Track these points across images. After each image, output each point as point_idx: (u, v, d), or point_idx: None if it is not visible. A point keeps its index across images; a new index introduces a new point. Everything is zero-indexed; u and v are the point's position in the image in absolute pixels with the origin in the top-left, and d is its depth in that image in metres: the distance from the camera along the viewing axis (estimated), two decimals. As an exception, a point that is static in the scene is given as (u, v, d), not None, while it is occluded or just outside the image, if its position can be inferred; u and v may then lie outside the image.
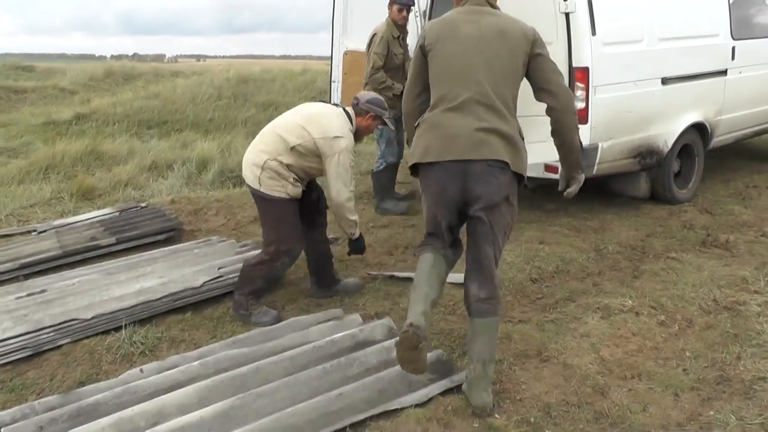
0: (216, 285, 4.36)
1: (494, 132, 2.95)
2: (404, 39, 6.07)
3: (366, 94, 4.27)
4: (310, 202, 4.29)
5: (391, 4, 5.93)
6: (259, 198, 4.07)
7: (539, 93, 3.09)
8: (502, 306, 3.52)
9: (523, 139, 3.10)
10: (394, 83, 5.94)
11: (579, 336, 3.70)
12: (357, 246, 4.38)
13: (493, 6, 3.18)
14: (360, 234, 4.33)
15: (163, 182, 7.98)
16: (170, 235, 5.75)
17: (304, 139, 3.95)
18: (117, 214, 6.45)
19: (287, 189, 4.01)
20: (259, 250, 4.19)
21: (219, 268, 4.53)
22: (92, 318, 3.95)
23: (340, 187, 3.95)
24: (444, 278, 3.18)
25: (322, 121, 4.00)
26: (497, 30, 3.02)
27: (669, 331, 3.78)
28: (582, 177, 3.32)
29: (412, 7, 6.01)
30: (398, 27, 5.97)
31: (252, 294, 4.09)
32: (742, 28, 6.69)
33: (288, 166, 3.98)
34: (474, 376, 3.02)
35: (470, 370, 3.05)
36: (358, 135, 4.17)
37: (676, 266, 4.72)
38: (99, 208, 6.96)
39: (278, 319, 4.04)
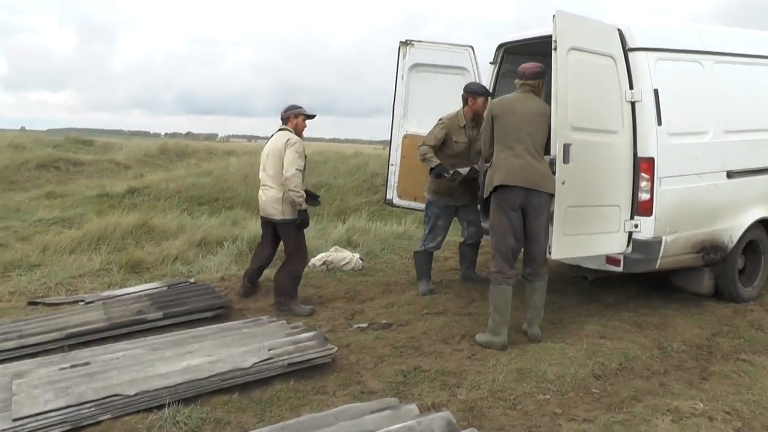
0: (265, 367, 4.20)
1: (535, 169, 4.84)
2: (473, 127, 6.03)
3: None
4: None
5: (471, 98, 5.94)
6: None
7: None
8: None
9: (551, 167, 4.82)
10: (433, 158, 5.90)
11: (650, 440, 3.45)
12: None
13: (537, 94, 5.05)
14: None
15: (212, 259, 7.95)
16: (219, 312, 5.66)
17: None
18: (165, 288, 6.41)
19: None
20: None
21: (269, 350, 4.38)
22: (135, 394, 3.83)
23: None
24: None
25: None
26: (535, 112, 4.91)
27: (747, 440, 3.52)
28: None
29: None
30: (470, 118, 5.99)
31: None
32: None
33: None
34: (531, 316, 5.00)
35: (529, 313, 5.03)
36: (298, 133, 5.91)
37: (748, 369, 4.46)
38: (146, 282, 6.94)
39: None
